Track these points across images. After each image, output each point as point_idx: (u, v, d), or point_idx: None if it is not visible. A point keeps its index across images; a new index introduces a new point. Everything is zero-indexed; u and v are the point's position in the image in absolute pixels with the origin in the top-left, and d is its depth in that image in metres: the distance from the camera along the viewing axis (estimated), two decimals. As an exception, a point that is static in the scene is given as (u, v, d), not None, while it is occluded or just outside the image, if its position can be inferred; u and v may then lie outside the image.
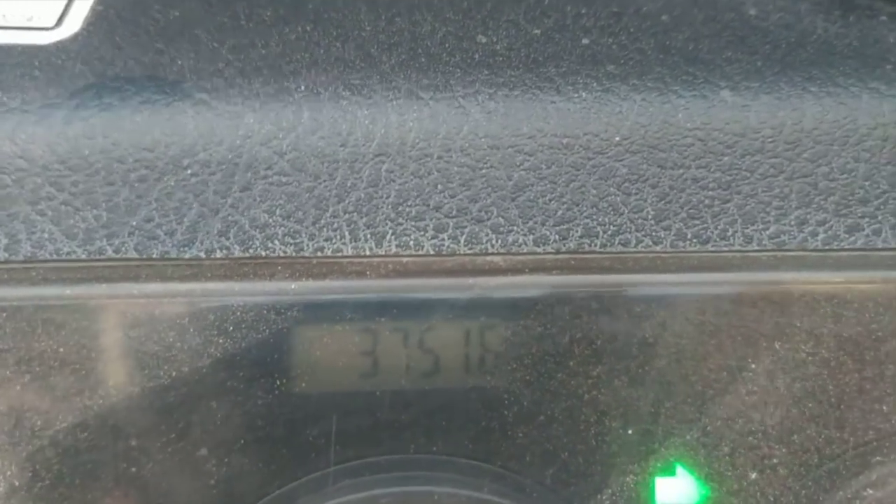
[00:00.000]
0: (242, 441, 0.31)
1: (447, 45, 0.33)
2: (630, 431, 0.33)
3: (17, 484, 0.30)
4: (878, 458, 0.35)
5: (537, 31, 0.34)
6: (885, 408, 0.34)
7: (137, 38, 0.32)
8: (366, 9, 0.34)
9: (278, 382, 0.31)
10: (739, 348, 0.33)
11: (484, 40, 0.34)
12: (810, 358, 0.33)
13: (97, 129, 0.30)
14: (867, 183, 0.34)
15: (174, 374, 0.30)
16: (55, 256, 0.30)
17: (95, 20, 0.33)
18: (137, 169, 0.30)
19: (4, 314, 0.29)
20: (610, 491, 0.33)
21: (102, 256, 0.30)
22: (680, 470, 0.34)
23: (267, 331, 0.30)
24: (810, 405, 0.34)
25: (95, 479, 0.31)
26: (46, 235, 0.30)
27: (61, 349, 0.30)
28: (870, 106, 0.34)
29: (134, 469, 0.31)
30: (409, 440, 0.33)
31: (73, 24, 0.33)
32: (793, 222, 0.33)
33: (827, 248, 0.33)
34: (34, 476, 0.31)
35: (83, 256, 0.30)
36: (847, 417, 0.34)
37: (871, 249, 0.34)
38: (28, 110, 0.30)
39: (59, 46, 0.32)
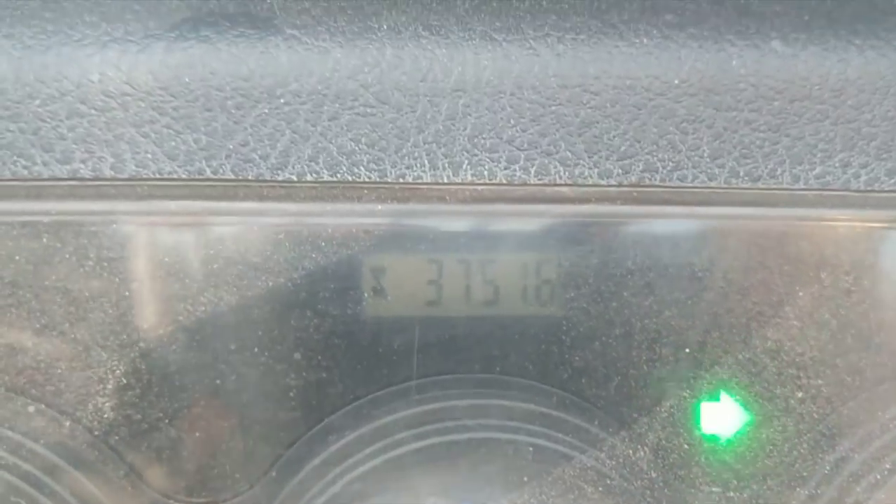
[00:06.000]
0: (330, 351, 0.34)
1: None
2: (679, 358, 0.36)
3: (111, 383, 0.32)
4: None
5: None
6: None
7: None
8: None
9: (367, 297, 0.33)
10: (785, 280, 0.35)
11: None
12: (853, 289, 0.36)
13: (196, 58, 0.32)
14: None
15: (269, 285, 0.32)
16: (157, 175, 0.32)
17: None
18: (234, 97, 0.32)
19: (114, 226, 0.31)
20: (658, 414, 0.36)
21: (201, 176, 0.32)
22: (724, 396, 0.37)
23: (356, 249, 0.33)
24: (852, 333, 0.36)
25: (185, 385, 0.33)
26: (150, 156, 0.32)
27: (165, 259, 0.32)
28: None
29: (224, 376, 0.33)
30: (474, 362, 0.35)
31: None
32: (837, 164, 0.35)
33: (868, 189, 0.36)
34: (126, 382, 0.33)
35: (184, 176, 0.32)
36: (886, 345, 0.36)
37: None
38: (132, 40, 0.32)
39: (157, -17, 0.34)
